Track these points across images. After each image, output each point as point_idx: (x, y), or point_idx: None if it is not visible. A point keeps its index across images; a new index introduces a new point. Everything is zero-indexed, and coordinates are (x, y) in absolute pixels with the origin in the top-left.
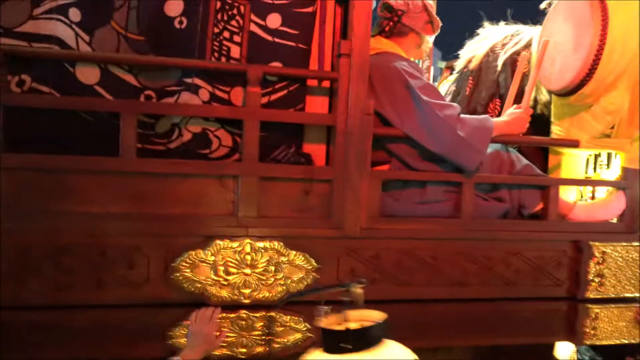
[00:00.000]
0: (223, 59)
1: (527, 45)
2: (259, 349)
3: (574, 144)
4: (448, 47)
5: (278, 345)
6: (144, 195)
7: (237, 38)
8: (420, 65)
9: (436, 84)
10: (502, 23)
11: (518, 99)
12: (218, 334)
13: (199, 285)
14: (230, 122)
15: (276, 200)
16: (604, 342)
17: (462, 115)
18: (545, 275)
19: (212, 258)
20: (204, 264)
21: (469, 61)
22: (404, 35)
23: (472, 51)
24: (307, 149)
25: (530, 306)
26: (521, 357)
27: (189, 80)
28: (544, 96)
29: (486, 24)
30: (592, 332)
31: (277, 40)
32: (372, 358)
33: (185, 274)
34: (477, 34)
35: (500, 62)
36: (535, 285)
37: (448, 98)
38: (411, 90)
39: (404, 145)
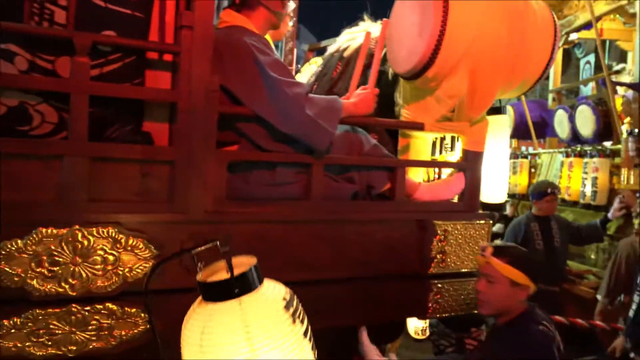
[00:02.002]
0: (46, 24)
1: None
2: (93, 346)
3: (419, 126)
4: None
5: (114, 341)
6: None
7: (62, 1)
8: (284, 47)
9: (299, 66)
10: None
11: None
12: None
13: (16, 279)
14: (56, 96)
15: (110, 183)
16: (446, 315)
17: (310, 95)
18: (394, 254)
19: (34, 248)
20: (23, 255)
21: (345, 49)
22: (254, 8)
23: (349, 40)
24: (148, 128)
25: (382, 285)
26: (376, 336)
27: (1, 46)
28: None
29: (366, 17)
30: (436, 306)
31: (110, 6)
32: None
33: None
34: (357, 25)
35: None
36: (386, 264)
37: (312, 79)
38: (259, 66)
39: (253, 125)
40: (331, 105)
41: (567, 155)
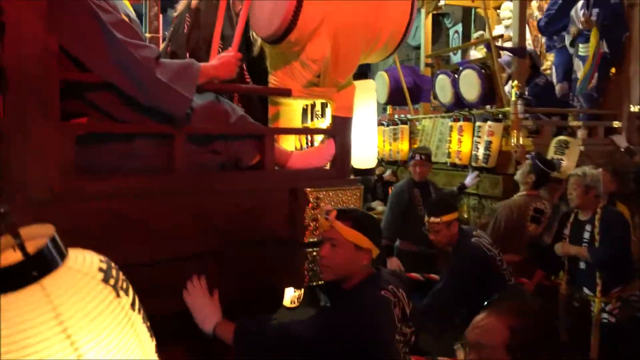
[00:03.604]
0: None
1: None
2: None
3: (287, 92)
4: None
5: None
6: None
7: None
8: (148, 13)
9: (166, 33)
10: None
11: None
12: None
13: None
14: None
15: None
16: (321, 282)
17: (162, 59)
18: (267, 224)
19: None
20: None
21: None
22: None
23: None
24: None
25: (255, 256)
26: (256, 307)
27: None
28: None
29: None
30: (312, 274)
31: None
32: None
33: None
34: None
35: None
36: (258, 234)
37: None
38: (102, 26)
39: (105, 93)
40: (186, 68)
41: (456, 120)
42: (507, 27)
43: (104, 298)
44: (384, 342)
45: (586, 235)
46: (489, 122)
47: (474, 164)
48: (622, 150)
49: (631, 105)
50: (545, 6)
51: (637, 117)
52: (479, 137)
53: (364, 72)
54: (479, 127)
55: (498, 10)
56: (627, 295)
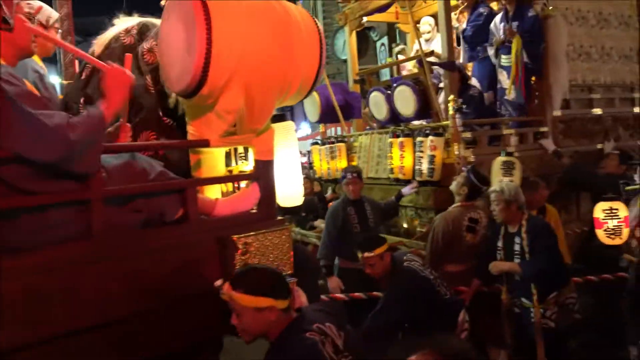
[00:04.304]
0: None
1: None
2: None
3: (205, 144)
4: None
5: None
6: None
7: None
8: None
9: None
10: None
11: None
12: None
13: None
14: None
15: None
16: None
17: (70, 120)
18: (196, 276)
19: None
20: None
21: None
22: None
23: (99, 38)
24: None
25: (187, 309)
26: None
27: None
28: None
29: (122, 15)
30: None
31: None
32: None
33: None
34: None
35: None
36: (188, 287)
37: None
38: (12, 102)
39: (13, 166)
40: (90, 116)
41: (395, 136)
42: (427, 40)
43: None
44: None
45: (517, 247)
46: (431, 137)
47: (418, 178)
48: (550, 153)
49: (554, 111)
50: (462, 19)
51: (559, 120)
52: (421, 151)
53: (280, 114)
54: (420, 142)
55: (418, 25)
56: (563, 299)
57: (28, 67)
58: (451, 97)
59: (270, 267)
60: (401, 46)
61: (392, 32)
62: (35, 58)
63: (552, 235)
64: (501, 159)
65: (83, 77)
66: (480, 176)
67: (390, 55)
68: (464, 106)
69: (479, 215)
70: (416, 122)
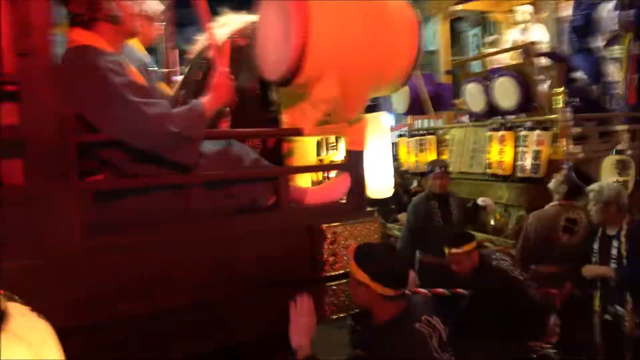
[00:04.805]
0: None
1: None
2: None
3: (298, 132)
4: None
5: None
6: None
7: None
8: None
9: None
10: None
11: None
12: None
13: None
14: None
15: None
16: (344, 314)
17: (171, 112)
18: (285, 264)
19: None
20: None
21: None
22: (99, 24)
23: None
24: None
25: (276, 296)
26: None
27: None
28: None
29: (227, 10)
30: (333, 307)
31: None
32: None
33: None
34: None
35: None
36: (277, 274)
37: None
38: (113, 89)
39: (116, 151)
40: (192, 111)
41: (495, 129)
42: (523, 30)
43: None
44: None
45: (614, 251)
46: (538, 131)
47: (520, 174)
48: None
49: None
50: (566, 7)
51: None
52: (526, 146)
53: (374, 104)
54: (525, 136)
55: (509, 15)
56: None
57: (133, 56)
58: (561, 89)
59: (399, 255)
60: (494, 36)
61: (484, 22)
62: (139, 45)
63: None
64: (614, 157)
65: (200, 77)
66: (581, 174)
67: (483, 46)
68: (576, 99)
69: (578, 215)
70: (512, 117)
